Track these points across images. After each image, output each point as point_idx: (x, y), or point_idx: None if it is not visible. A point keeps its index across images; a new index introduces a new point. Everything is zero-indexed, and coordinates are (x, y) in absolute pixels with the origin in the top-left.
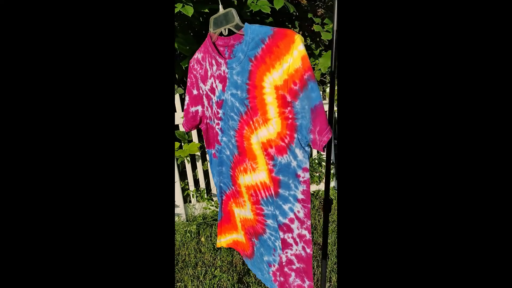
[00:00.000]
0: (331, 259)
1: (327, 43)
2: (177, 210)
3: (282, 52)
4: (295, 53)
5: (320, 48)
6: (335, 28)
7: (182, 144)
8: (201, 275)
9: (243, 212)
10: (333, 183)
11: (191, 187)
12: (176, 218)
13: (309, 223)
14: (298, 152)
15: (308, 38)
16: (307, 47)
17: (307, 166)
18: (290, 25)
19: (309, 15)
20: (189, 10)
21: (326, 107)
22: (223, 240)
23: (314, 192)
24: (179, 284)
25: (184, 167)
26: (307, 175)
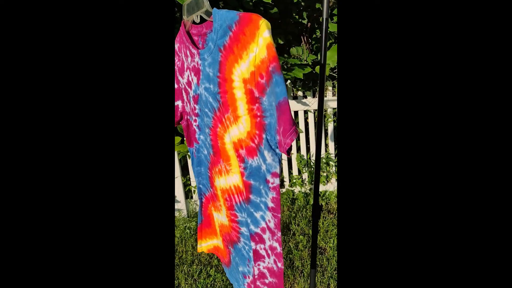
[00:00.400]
0: (331, 265)
1: (337, 35)
2: (178, 206)
3: (248, 40)
4: (260, 41)
5: (330, 41)
6: (324, 17)
7: (184, 139)
8: (196, 273)
9: (220, 217)
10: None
11: (193, 182)
12: (177, 214)
13: (279, 234)
14: (267, 154)
15: (317, 30)
16: (317, 40)
17: (277, 171)
18: (297, 16)
19: (317, 6)
20: None
21: (334, 104)
22: (204, 245)
23: (321, 192)
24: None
25: (186, 162)
26: (277, 181)
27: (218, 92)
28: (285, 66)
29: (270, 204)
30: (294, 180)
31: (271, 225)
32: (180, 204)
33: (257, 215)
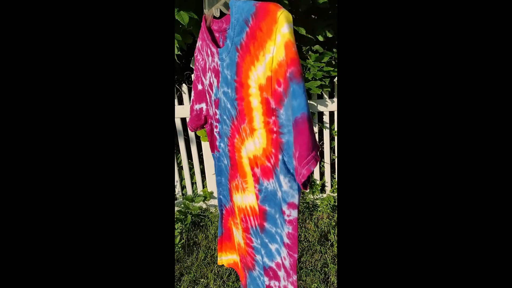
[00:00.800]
0: None
1: None
2: (214, 202)
3: (264, 37)
4: (278, 38)
5: None
6: None
7: None
8: (225, 275)
9: (238, 235)
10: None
11: None
12: (213, 210)
13: (295, 278)
14: (283, 180)
15: None
16: None
17: (295, 201)
18: None
19: None
20: None
21: None
22: (224, 259)
23: None
24: (202, 280)
25: None
26: (295, 213)
27: (235, 99)
28: (333, 62)
29: (286, 240)
30: (336, 186)
31: (287, 264)
32: (217, 200)
33: (272, 247)
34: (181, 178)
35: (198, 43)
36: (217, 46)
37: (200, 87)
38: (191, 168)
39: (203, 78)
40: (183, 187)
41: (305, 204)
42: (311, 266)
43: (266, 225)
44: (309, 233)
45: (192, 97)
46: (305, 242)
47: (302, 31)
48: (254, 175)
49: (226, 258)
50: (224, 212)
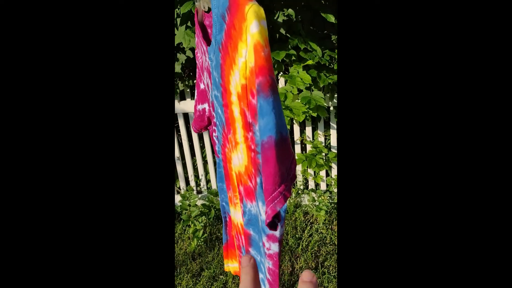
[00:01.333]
0: None
1: None
2: None
3: (237, 37)
4: (248, 40)
5: None
6: None
7: None
8: None
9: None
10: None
11: None
12: None
13: None
14: (261, 207)
15: None
16: None
17: (276, 234)
18: None
19: None
20: None
21: None
22: (231, 266)
23: None
24: (221, 277)
25: None
26: (275, 247)
27: (223, 105)
28: None
29: (267, 275)
30: None
31: None
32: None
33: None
34: (206, 172)
35: (196, 39)
36: (208, 44)
37: (202, 86)
38: (215, 162)
39: (203, 77)
40: (207, 181)
41: (333, 205)
42: (335, 272)
43: (251, 251)
44: (336, 236)
45: (195, 97)
46: (330, 245)
47: (331, 18)
48: (239, 193)
49: (233, 266)
50: (227, 219)
